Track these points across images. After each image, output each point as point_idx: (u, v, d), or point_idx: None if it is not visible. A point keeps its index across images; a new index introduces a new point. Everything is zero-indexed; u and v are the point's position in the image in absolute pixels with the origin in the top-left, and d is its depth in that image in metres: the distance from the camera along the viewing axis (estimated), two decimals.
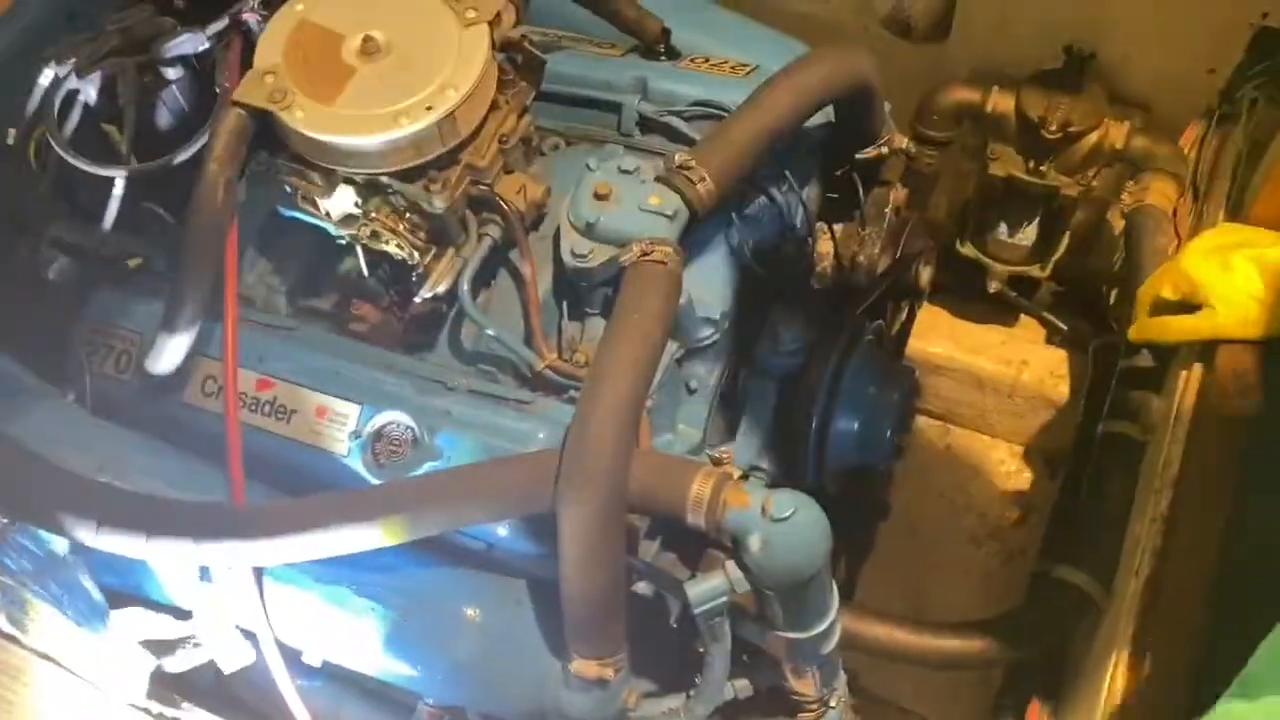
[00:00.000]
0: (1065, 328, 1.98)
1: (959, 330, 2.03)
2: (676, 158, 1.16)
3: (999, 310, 2.01)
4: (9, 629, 0.86)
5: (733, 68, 1.39)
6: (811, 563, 0.98)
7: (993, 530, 2.04)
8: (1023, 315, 2.01)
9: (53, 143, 1.26)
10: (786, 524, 0.96)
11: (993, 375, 1.99)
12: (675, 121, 1.34)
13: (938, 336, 2.02)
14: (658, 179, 1.17)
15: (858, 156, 1.43)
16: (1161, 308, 1.24)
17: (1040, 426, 2.02)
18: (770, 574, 0.98)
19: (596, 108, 1.38)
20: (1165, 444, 1.35)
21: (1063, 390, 1.96)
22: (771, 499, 0.97)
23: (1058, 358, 1.97)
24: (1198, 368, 1.30)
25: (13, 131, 1.32)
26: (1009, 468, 2.09)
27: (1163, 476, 1.32)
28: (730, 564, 1.01)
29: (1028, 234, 1.82)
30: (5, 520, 0.97)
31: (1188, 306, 1.20)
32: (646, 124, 1.36)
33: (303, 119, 1.09)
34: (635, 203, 1.15)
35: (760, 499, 0.98)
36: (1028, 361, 1.97)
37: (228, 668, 1.18)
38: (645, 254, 1.09)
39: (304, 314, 1.33)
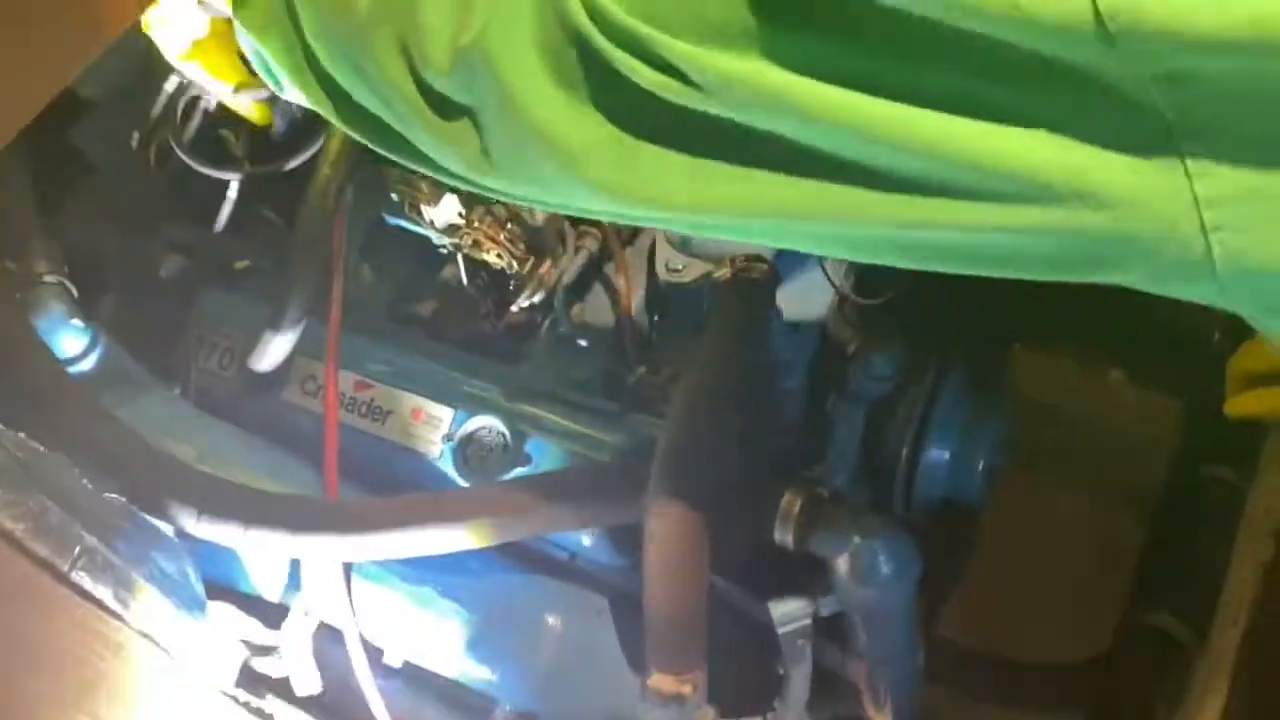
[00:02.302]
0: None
1: None
2: None
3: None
4: (115, 605, 0.89)
5: None
6: (901, 587, 0.97)
7: (1075, 577, 1.98)
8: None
9: (174, 146, 1.31)
10: (876, 545, 0.95)
11: (1082, 417, 1.95)
12: None
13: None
14: None
15: None
16: (1255, 380, 1.21)
17: (1127, 468, 1.97)
18: (857, 596, 0.97)
19: None
20: (1264, 490, 1.30)
21: (1153, 431, 1.91)
22: (864, 520, 0.97)
23: (1153, 400, 1.92)
24: None
25: (136, 134, 1.39)
26: (1087, 510, 2.04)
27: (1263, 524, 1.27)
28: (816, 586, 1.01)
29: None
30: (123, 501, 1.00)
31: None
32: None
33: None
34: None
35: (853, 519, 0.97)
36: (1121, 403, 1.92)
37: (300, 691, 1.20)
38: (739, 270, 1.10)
39: (402, 319, 1.36)
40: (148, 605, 0.95)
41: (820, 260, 1.29)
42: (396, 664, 1.24)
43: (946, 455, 1.23)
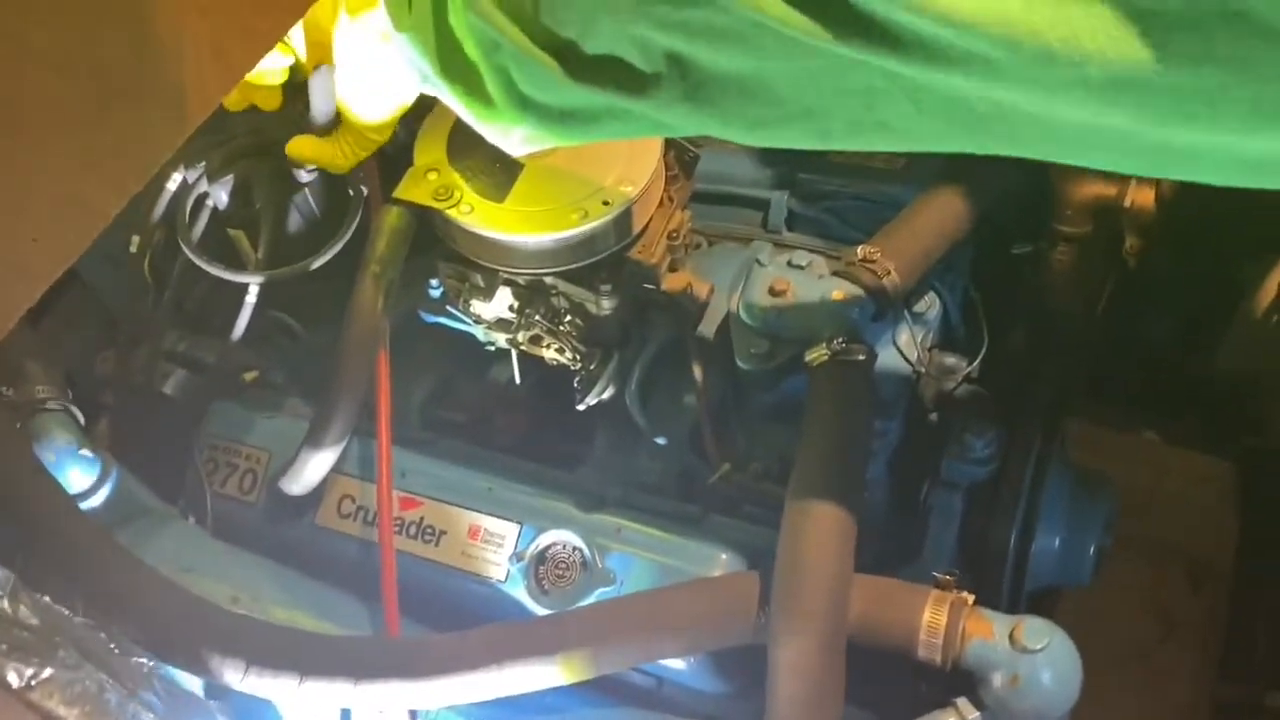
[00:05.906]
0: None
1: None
2: (859, 251, 1.08)
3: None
4: None
5: (885, 159, 1.32)
6: (1067, 699, 0.86)
7: (1136, 650, 1.89)
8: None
9: (184, 248, 1.19)
10: (1041, 656, 0.85)
11: (1130, 483, 1.87)
12: (828, 217, 1.27)
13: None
14: (837, 273, 1.09)
15: (1014, 251, 1.35)
16: None
17: (1180, 535, 1.89)
18: (1017, 714, 0.86)
19: (738, 204, 1.31)
20: None
21: (1208, 497, 1.83)
22: (1022, 626, 0.86)
23: (1201, 461, 1.85)
24: None
25: (136, 239, 1.26)
26: (1144, 579, 1.95)
27: None
28: (963, 702, 0.89)
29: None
30: (149, 663, 0.86)
31: None
32: (794, 220, 1.29)
33: (474, 217, 1.02)
34: (817, 298, 1.07)
35: (1006, 627, 0.87)
36: (1169, 467, 1.85)
37: None
38: (838, 353, 1.00)
39: (437, 427, 1.24)
40: None
41: (894, 336, 1.21)
42: None
43: (1057, 541, 1.14)
